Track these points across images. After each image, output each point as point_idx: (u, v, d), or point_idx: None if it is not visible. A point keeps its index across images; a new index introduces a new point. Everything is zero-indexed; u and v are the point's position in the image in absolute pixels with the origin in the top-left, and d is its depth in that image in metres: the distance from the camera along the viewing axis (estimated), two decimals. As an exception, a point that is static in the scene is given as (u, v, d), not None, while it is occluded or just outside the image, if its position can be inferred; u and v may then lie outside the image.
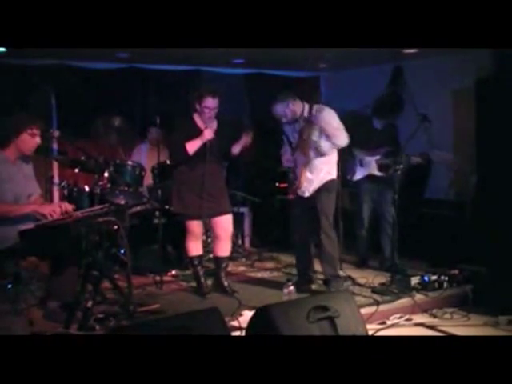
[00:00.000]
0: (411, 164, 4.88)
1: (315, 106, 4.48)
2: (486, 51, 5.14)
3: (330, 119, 4.38)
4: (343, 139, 4.38)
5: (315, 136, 4.37)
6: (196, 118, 4.40)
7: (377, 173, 4.92)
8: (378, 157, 4.77)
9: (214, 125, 4.41)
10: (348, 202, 6.58)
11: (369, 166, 4.83)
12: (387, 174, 4.93)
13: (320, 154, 4.41)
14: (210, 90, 4.33)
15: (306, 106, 4.51)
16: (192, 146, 4.28)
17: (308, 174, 4.45)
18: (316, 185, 4.45)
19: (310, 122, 4.40)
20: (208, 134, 4.28)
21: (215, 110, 4.33)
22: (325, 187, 4.45)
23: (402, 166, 4.61)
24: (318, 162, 4.43)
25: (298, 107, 4.46)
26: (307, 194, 4.49)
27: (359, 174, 4.94)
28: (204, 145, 4.29)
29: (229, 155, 4.55)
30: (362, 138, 4.97)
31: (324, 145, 4.39)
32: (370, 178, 4.98)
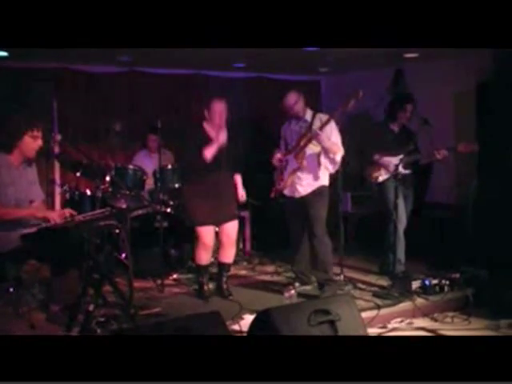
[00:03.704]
0: (436, 159, 4.87)
1: (318, 115, 4.51)
2: (486, 54, 5.15)
3: (332, 134, 4.42)
4: (340, 155, 4.45)
5: (316, 150, 4.43)
6: (206, 126, 4.42)
7: (403, 171, 4.92)
8: (401, 156, 4.77)
9: (225, 133, 4.42)
10: (351, 205, 6.61)
11: (394, 166, 4.81)
12: (413, 171, 5.05)
13: (317, 164, 4.47)
14: (217, 96, 4.41)
15: (309, 112, 4.55)
16: (209, 152, 4.28)
17: (297, 178, 4.50)
18: (307, 188, 4.48)
19: (310, 129, 4.42)
20: (222, 137, 4.30)
21: (224, 115, 4.36)
22: (316, 192, 4.48)
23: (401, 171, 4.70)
24: (310, 168, 4.47)
25: (303, 109, 4.53)
26: (297, 195, 4.53)
27: (385, 175, 4.93)
28: (220, 152, 4.31)
29: (242, 166, 4.61)
30: (381, 141, 4.98)
31: (324, 161, 4.46)
32: (395, 177, 4.90)
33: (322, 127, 4.35)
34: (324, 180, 4.53)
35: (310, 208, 4.46)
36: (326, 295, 4.34)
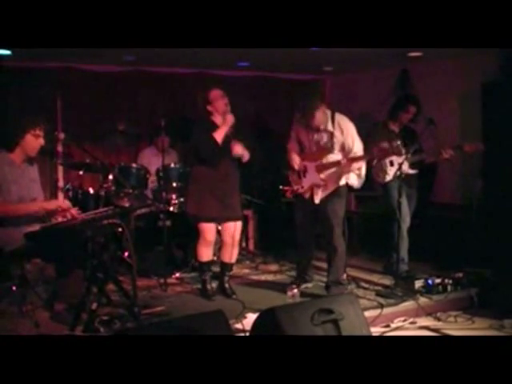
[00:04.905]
0: (443, 158, 4.84)
1: (337, 119, 4.39)
2: (491, 53, 5.14)
3: (355, 144, 4.31)
4: (364, 168, 4.40)
5: (338, 157, 4.36)
6: (212, 118, 4.38)
7: (409, 170, 4.92)
8: (404, 155, 4.75)
9: (231, 117, 4.33)
10: (354, 205, 6.61)
11: (400, 165, 4.79)
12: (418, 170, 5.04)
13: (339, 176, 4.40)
14: (212, 86, 4.43)
15: (328, 112, 4.41)
16: (219, 134, 4.26)
17: (318, 189, 4.42)
18: (327, 192, 4.41)
19: (332, 140, 4.34)
20: (230, 119, 4.27)
21: (227, 100, 4.33)
22: (336, 193, 4.41)
23: (404, 171, 4.68)
24: (332, 179, 4.39)
25: (326, 123, 4.38)
26: (316, 201, 4.44)
27: (391, 174, 4.92)
28: (228, 139, 4.27)
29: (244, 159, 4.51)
30: (381, 141, 4.97)
31: (352, 179, 4.42)
32: (398, 177, 4.88)
33: (353, 161, 4.26)
34: (342, 180, 4.44)
35: (329, 209, 4.38)
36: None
